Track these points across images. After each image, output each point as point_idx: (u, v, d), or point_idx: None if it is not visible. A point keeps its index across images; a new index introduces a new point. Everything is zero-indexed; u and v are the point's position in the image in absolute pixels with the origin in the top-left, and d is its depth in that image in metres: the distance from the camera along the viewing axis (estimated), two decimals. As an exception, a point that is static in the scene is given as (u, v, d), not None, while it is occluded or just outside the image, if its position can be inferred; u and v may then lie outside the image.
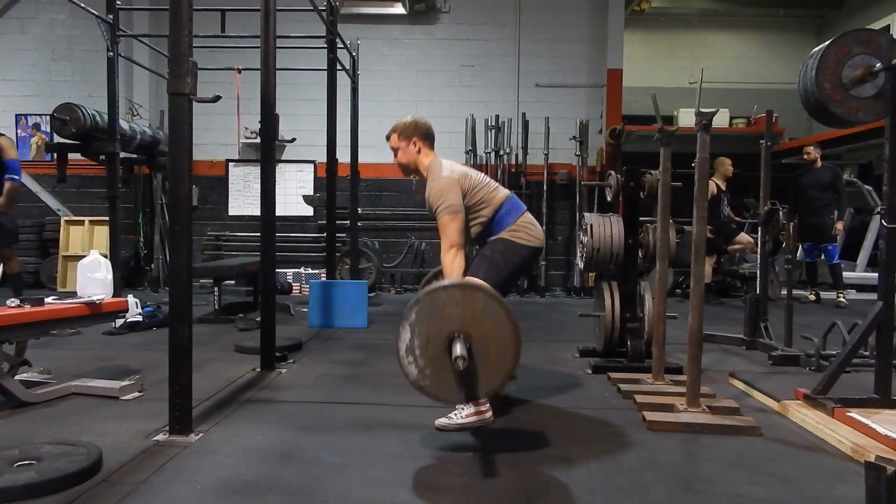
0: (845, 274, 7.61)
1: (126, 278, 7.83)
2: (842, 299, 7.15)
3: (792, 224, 4.73)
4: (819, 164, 7.25)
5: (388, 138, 3.13)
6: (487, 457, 2.49)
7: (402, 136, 3.07)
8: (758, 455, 2.56)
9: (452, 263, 2.81)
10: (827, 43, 3.18)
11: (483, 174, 3.16)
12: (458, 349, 2.18)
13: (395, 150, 3.11)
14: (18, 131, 8.90)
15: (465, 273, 2.95)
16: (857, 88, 3.13)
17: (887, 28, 9.18)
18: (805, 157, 7.34)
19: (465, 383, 2.29)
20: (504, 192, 3.07)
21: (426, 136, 3.08)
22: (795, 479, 2.32)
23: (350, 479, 2.26)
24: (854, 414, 2.80)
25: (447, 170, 2.98)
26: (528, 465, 2.42)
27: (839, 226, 7.16)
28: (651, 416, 2.91)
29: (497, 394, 2.60)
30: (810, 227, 7.19)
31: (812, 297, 7.50)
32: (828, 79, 3.14)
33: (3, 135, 5.56)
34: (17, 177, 5.49)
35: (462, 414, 2.80)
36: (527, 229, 3.00)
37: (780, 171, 7.40)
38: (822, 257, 7.43)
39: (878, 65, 3.03)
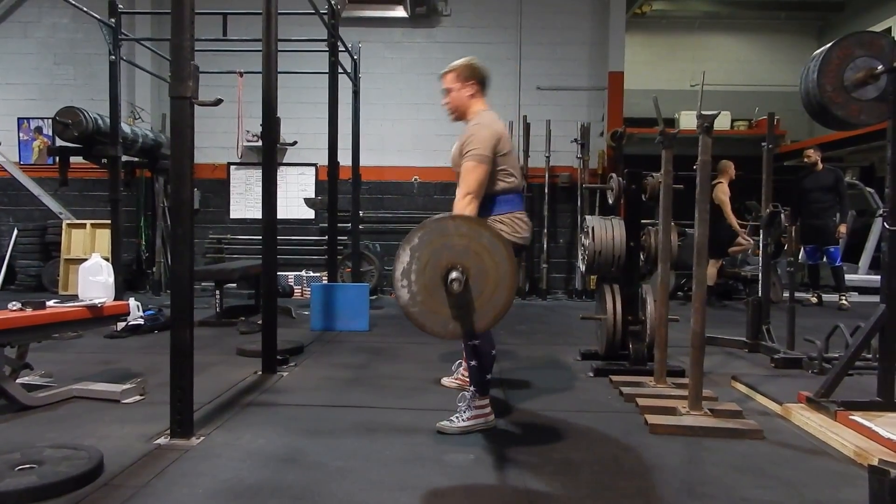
0: (848, 276, 7.60)
1: (128, 281, 7.84)
2: (844, 302, 7.12)
3: (794, 227, 4.72)
4: (820, 166, 7.23)
5: (442, 76, 3.04)
6: (490, 460, 2.49)
7: (459, 76, 2.99)
8: (761, 459, 2.55)
9: (465, 210, 2.72)
10: (829, 45, 3.18)
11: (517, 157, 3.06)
12: (455, 274, 2.16)
13: (448, 91, 3.02)
14: (21, 135, 8.92)
15: None
16: (858, 91, 3.13)
17: (888, 30, 9.18)
18: (805, 160, 7.33)
19: (454, 315, 2.26)
20: (520, 182, 3.01)
21: (481, 81, 3.03)
22: (799, 482, 2.31)
23: (353, 482, 2.25)
24: (857, 417, 2.79)
25: (494, 124, 2.91)
26: (531, 468, 2.41)
27: (842, 228, 7.13)
28: (653, 419, 2.91)
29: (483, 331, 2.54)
30: (813, 230, 7.17)
31: (814, 300, 7.49)
32: (830, 81, 3.14)
33: None
34: None
35: (464, 417, 2.80)
36: (517, 224, 2.91)
37: (782, 173, 7.38)
38: (825, 260, 7.42)
39: (879, 67, 3.03)
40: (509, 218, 2.89)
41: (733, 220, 7.04)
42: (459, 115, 3.05)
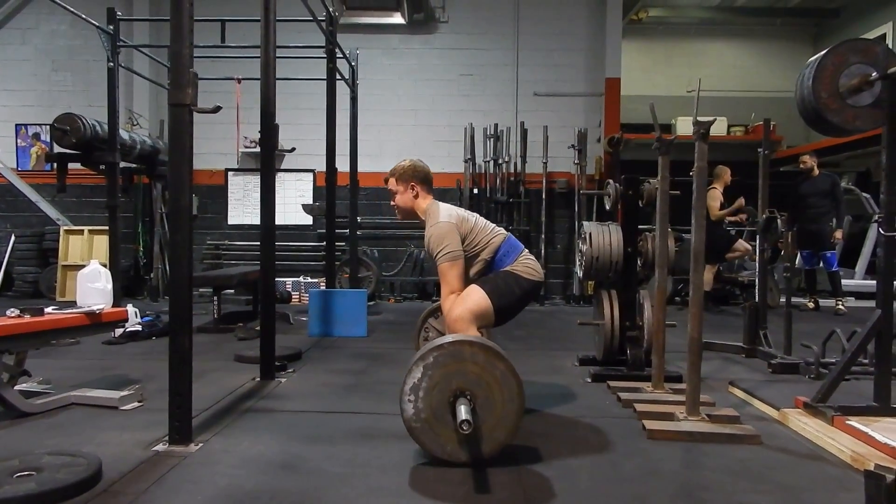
0: (844, 281, 7.62)
1: (125, 287, 7.84)
2: (840, 307, 7.14)
3: (790, 232, 4.74)
4: (816, 171, 7.27)
5: (385, 181, 3.17)
6: (488, 466, 2.49)
7: (399, 179, 3.11)
8: (758, 464, 2.55)
9: (453, 307, 2.85)
10: (823, 52, 3.20)
11: (480, 216, 3.19)
12: (464, 412, 2.21)
13: (393, 194, 3.15)
14: (18, 141, 8.93)
15: (467, 284, 2.97)
16: (853, 97, 3.15)
17: (883, 37, 9.26)
18: (801, 165, 7.37)
19: (456, 438, 2.34)
20: (502, 233, 3.12)
21: (424, 179, 3.12)
22: (796, 487, 2.32)
23: (352, 488, 2.25)
24: (854, 422, 2.80)
25: (445, 214, 3.01)
26: (529, 474, 2.42)
27: (838, 234, 7.16)
28: (651, 424, 2.91)
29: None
30: (809, 235, 7.20)
31: (811, 305, 7.50)
32: (825, 88, 3.16)
33: None
34: None
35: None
36: (527, 265, 3.05)
37: (779, 178, 7.41)
38: (822, 265, 7.44)
39: (874, 74, 3.05)
40: (518, 263, 3.03)
41: (723, 215, 6.92)
42: (407, 215, 3.17)
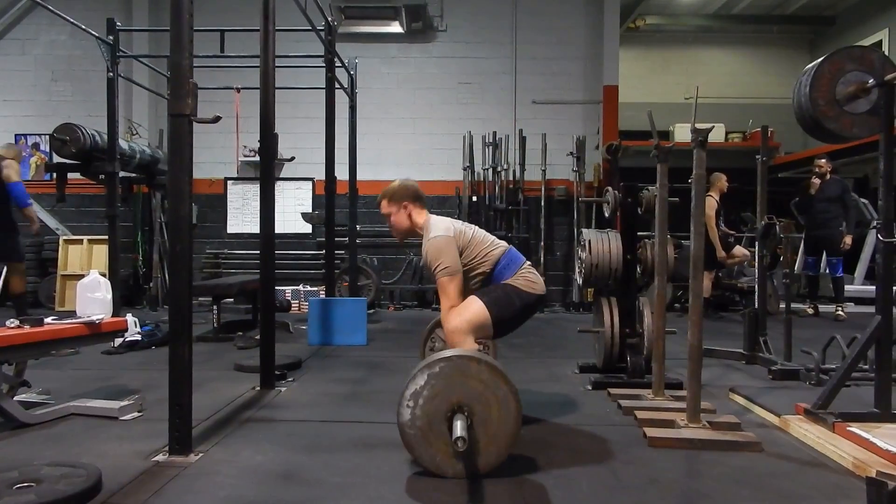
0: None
1: (125, 297, 7.83)
2: (840, 313, 7.12)
3: (788, 238, 4.74)
4: (828, 176, 7.21)
5: (378, 205, 3.18)
6: (488, 475, 2.48)
7: (391, 201, 3.12)
8: (759, 471, 2.55)
9: (453, 321, 2.85)
10: (820, 60, 3.22)
11: (479, 229, 3.18)
12: (459, 429, 2.21)
13: (388, 216, 3.15)
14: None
15: (467, 296, 2.97)
16: (850, 104, 3.17)
17: (878, 44, 9.31)
18: (817, 170, 7.27)
19: (447, 451, 2.34)
20: (502, 245, 3.11)
21: (415, 197, 3.13)
22: (798, 495, 2.31)
23: (352, 499, 2.24)
24: (855, 428, 2.79)
25: (442, 228, 3.00)
26: (529, 482, 2.41)
27: (848, 240, 7.07)
28: (652, 432, 2.91)
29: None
30: (818, 240, 7.15)
31: (810, 311, 7.48)
32: (822, 95, 3.17)
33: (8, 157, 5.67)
34: (28, 202, 5.73)
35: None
36: (528, 278, 3.04)
37: (777, 185, 7.44)
38: (827, 270, 7.38)
39: (870, 81, 3.07)
40: (519, 276, 3.01)
41: (715, 237, 6.81)
42: (404, 235, 3.18)
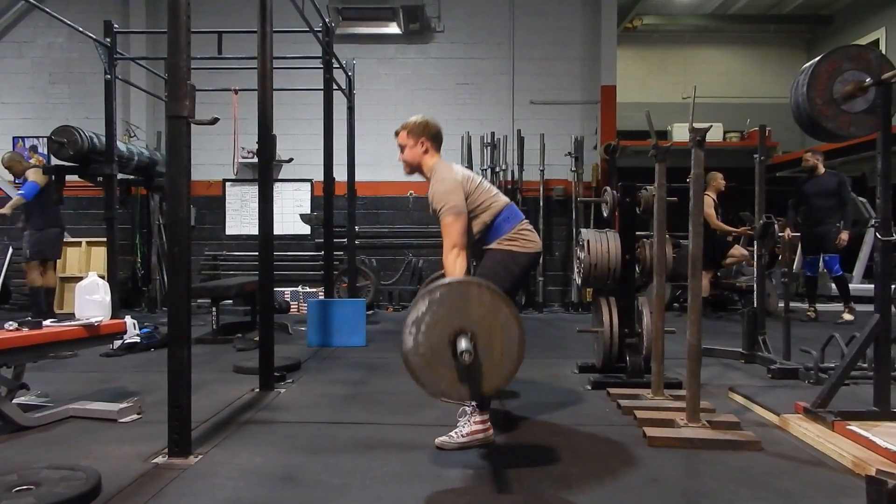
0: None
1: (123, 299, 7.82)
2: (847, 315, 6.72)
3: (788, 237, 4.74)
4: (822, 170, 6.89)
5: (396, 134, 3.11)
6: (488, 476, 2.48)
7: (410, 134, 3.06)
8: (759, 470, 2.55)
9: (454, 264, 2.81)
10: (817, 59, 3.22)
11: (485, 179, 3.15)
12: (464, 344, 2.18)
13: (402, 147, 3.09)
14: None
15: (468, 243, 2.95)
16: (848, 103, 3.17)
17: (876, 43, 9.32)
18: (804, 164, 7.01)
19: (450, 378, 2.29)
20: (504, 199, 3.08)
21: (435, 137, 3.09)
22: (797, 494, 2.31)
23: (351, 500, 2.24)
24: (854, 427, 2.80)
25: (451, 171, 2.99)
26: (529, 483, 2.41)
27: (844, 236, 6.67)
28: (651, 431, 2.91)
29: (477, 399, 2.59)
30: (814, 238, 6.81)
31: (811, 315, 7.09)
32: (819, 94, 3.18)
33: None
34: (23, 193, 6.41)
35: (463, 432, 2.80)
36: (524, 236, 2.99)
37: (775, 184, 7.44)
38: (824, 270, 7.17)
39: (868, 80, 3.07)
40: (516, 233, 2.97)
41: (723, 227, 6.99)
42: (413, 170, 3.14)
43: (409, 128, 3.07)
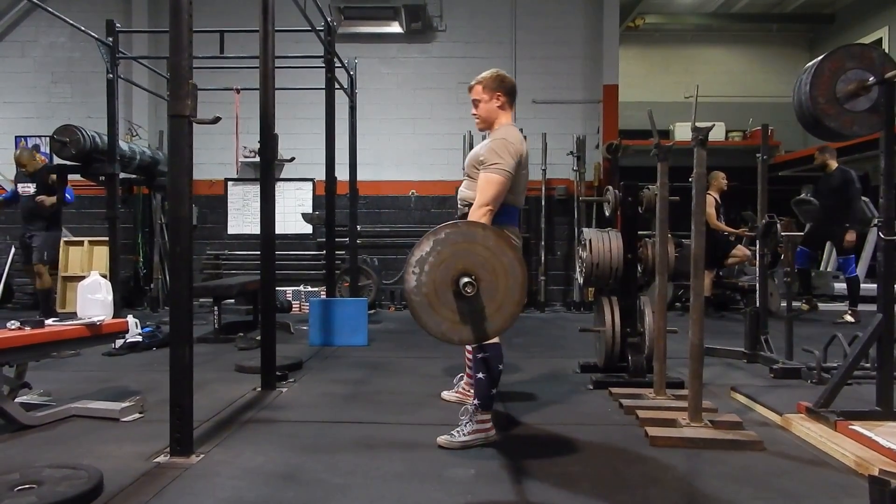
0: (844, 286, 7.55)
1: (125, 298, 7.83)
2: (848, 317, 6.63)
3: (789, 237, 4.73)
4: (834, 165, 6.72)
5: (470, 89, 3.04)
6: (490, 475, 2.48)
7: (486, 88, 2.99)
8: (761, 470, 2.55)
9: (480, 221, 2.69)
10: (820, 58, 3.21)
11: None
12: (465, 279, 2.18)
13: (475, 102, 3.02)
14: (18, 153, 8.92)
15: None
16: (851, 102, 3.16)
17: (878, 42, 9.30)
18: (815, 162, 6.92)
19: (452, 319, 2.27)
20: (521, 197, 3.03)
21: (510, 92, 3.01)
22: (800, 494, 2.31)
23: (353, 499, 2.24)
24: (857, 427, 2.79)
25: (519, 140, 2.90)
26: (531, 482, 2.41)
27: (849, 236, 6.51)
28: (653, 431, 2.90)
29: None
30: (820, 235, 6.76)
31: (805, 307, 7.09)
32: (822, 93, 3.17)
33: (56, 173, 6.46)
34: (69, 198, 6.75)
35: (465, 431, 2.80)
36: (512, 236, 2.93)
37: (777, 183, 7.42)
38: (840, 272, 7.14)
39: (871, 79, 3.07)
40: (510, 234, 2.90)
41: (722, 227, 7.01)
42: (487, 125, 3.04)
43: (485, 82, 3.00)
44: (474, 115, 3.05)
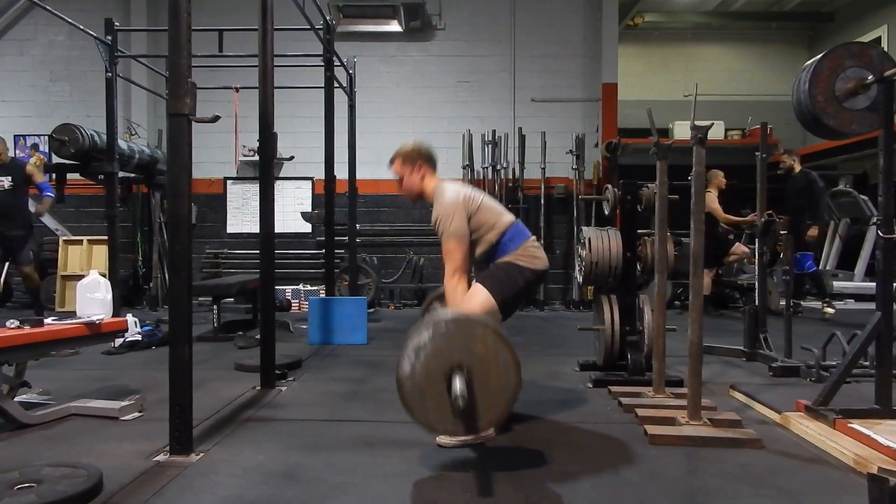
0: (843, 283, 7.56)
1: (125, 297, 7.83)
2: (827, 309, 6.84)
3: (787, 236, 4.74)
4: (798, 168, 7.17)
5: (391, 163, 3.11)
6: (489, 473, 2.48)
7: (405, 162, 3.06)
8: (760, 468, 2.55)
9: (455, 289, 2.84)
10: (819, 56, 3.22)
11: (489, 196, 3.14)
12: (459, 387, 2.19)
13: (399, 177, 3.09)
14: (17, 152, 8.93)
15: (471, 266, 2.96)
16: (850, 101, 3.17)
17: (877, 40, 9.30)
18: (781, 165, 7.29)
19: (443, 411, 2.29)
20: (510, 217, 3.07)
21: (429, 159, 3.08)
22: (799, 491, 2.31)
23: (352, 498, 2.24)
24: (856, 425, 2.80)
25: (453, 193, 2.97)
26: (530, 481, 2.41)
27: (812, 231, 6.87)
28: (653, 429, 2.91)
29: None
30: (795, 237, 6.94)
31: (831, 311, 7.05)
32: (821, 91, 3.18)
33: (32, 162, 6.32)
34: (51, 194, 6.51)
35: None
36: (531, 253, 2.99)
37: (777, 182, 7.42)
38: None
39: (870, 77, 3.07)
40: (523, 251, 2.97)
41: (731, 219, 7.05)
42: (415, 197, 3.13)
43: (403, 155, 3.07)
44: (400, 191, 3.12)
